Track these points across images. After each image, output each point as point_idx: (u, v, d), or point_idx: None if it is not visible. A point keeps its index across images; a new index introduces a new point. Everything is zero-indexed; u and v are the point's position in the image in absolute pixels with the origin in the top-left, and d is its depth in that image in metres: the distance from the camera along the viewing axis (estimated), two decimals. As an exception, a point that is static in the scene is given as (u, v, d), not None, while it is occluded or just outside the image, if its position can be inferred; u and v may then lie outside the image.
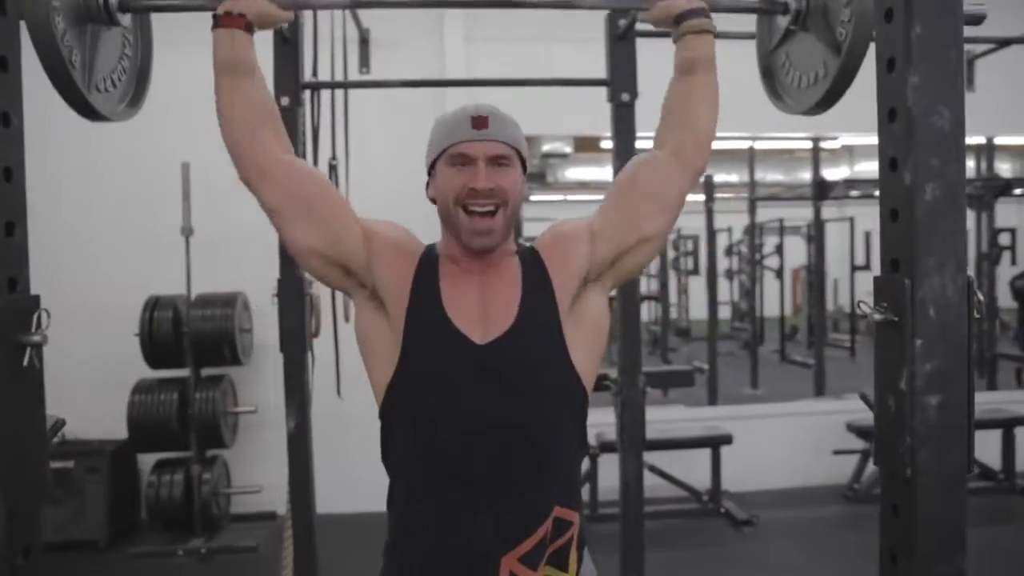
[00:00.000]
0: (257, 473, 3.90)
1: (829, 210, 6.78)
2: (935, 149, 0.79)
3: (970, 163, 5.58)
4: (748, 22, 1.47)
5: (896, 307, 0.80)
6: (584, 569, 1.16)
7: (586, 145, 7.23)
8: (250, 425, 3.96)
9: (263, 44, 1.89)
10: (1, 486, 0.76)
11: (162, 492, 3.72)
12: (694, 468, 4.01)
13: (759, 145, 6.64)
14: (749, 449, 4.14)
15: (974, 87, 3.87)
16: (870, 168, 7.38)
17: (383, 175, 3.60)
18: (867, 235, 8.08)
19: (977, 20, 0.98)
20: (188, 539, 3.65)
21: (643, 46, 2.18)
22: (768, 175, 7.66)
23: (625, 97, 2.18)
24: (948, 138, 0.80)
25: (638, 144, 2.22)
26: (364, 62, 4.01)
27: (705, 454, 3.96)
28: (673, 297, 9.03)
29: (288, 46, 2.08)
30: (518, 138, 1.16)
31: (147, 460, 3.91)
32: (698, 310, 7.97)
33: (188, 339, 3.67)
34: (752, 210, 6.64)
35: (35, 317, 0.82)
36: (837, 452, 4.18)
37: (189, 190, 3.58)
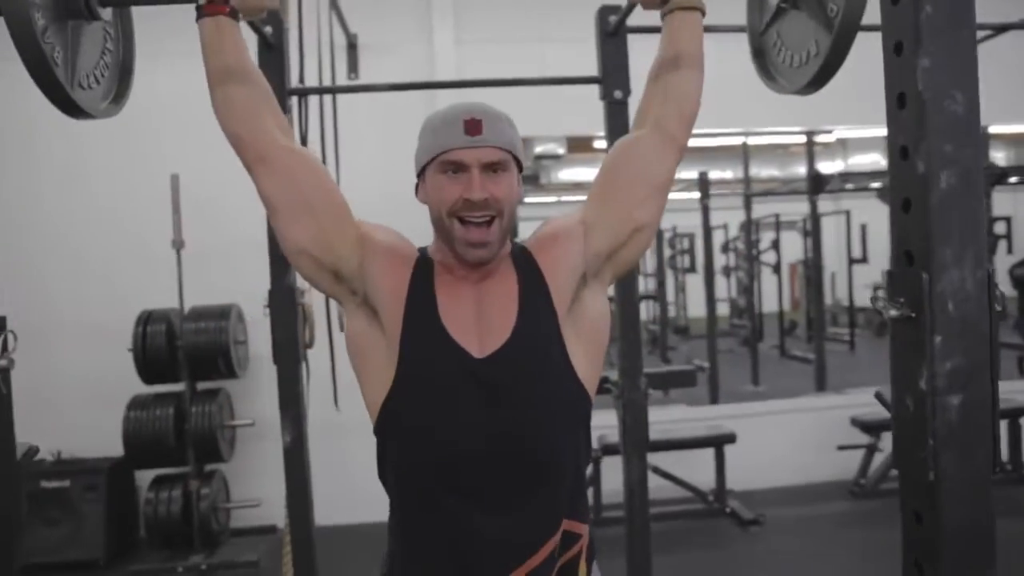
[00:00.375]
0: (256, 486, 3.84)
1: (825, 204, 6.76)
2: (949, 135, 0.75)
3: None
4: (739, 15, 1.44)
5: (913, 302, 0.76)
6: None
7: (579, 146, 7.21)
8: (248, 438, 3.91)
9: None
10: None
11: (160, 508, 3.66)
12: (698, 468, 3.97)
13: (753, 140, 6.62)
14: (753, 447, 4.10)
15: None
16: (864, 161, 7.36)
17: (375, 180, 3.55)
18: (863, 228, 8.06)
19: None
20: (188, 555, 3.60)
21: (635, 43, 2.15)
22: (763, 171, 7.63)
23: (618, 94, 2.14)
24: (963, 123, 0.76)
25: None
26: (353, 67, 3.97)
27: (709, 454, 3.92)
28: (671, 295, 9.01)
29: (273, 52, 2.03)
30: (513, 140, 1.10)
31: (145, 476, 3.85)
32: (696, 308, 7.95)
33: (182, 353, 3.62)
34: (748, 206, 6.62)
35: (0, 340, 0.77)
36: (842, 447, 4.14)
37: (179, 202, 3.53)
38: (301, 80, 2.50)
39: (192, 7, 1.12)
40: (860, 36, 1.08)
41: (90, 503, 3.67)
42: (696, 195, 6.01)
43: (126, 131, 2.87)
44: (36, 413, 3.90)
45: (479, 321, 1.08)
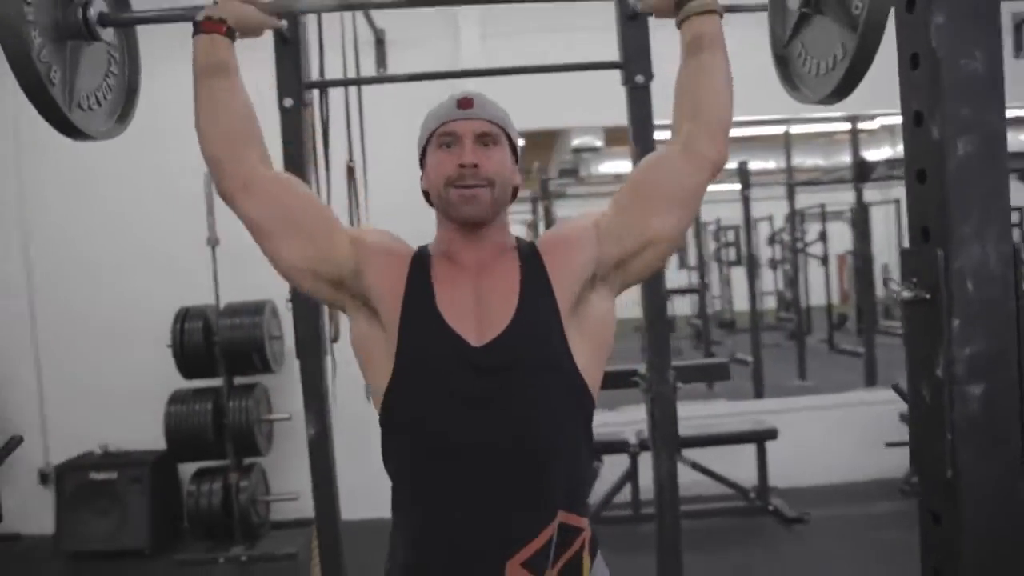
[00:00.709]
0: (294, 480, 3.87)
1: (872, 193, 6.52)
2: (968, 97, 0.68)
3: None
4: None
5: (927, 282, 0.69)
6: (596, 571, 1.11)
7: (618, 138, 7.11)
8: (285, 432, 3.95)
9: (264, 45, 1.86)
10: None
11: (202, 501, 3.75)
12: (740, 464, 3.86)
13: (795, 129, 6.43)
14: (797, 443, 3.97)
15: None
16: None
17: (401, 175, 3.51)
18: (916, 216, 7.75)
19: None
20: (229, 547, 3.67)
21: (657, 26, 2.08)
22: (807, 160, 7.40)
23: (640, 79, 2.07)
24: (983, 84, 0.68)
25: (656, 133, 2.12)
26: (381, 62, 3.97)
27: (751, 449, 3.81)
28: (716, 289, 8.84)
29: (289, 46, 2.02)
30: (504, 119, 1.15)
31: (188, 470, 3.94)
32: (742, 301, 7.76)
33: (219, 348, 3.68)
34: (791, 196, 6.43)
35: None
36: (890, 444, 3.97)
37: (213, 201, 3.59)
38: (321, 74, 2.49)
39: None
40: (888, 18, 1.01)
41: (136, 495, 3.77)
42: (737, 187, 5.87)
43: (158, 131, 2.92)
44: (85, 408, 4.07)
45: (478, 310, 1.08)
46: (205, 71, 1.09)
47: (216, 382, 3.79)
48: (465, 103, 1.12)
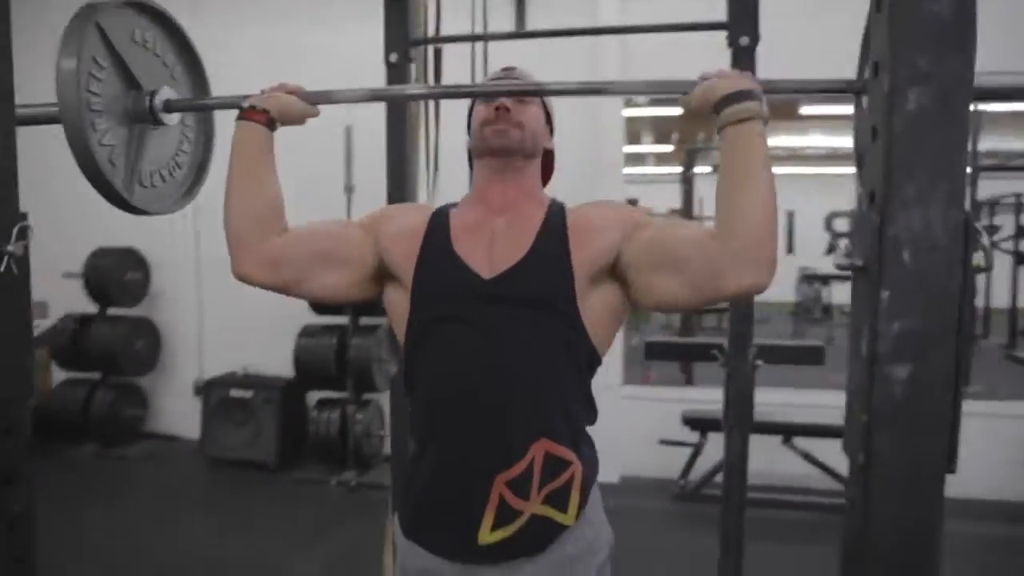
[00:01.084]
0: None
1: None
2: (926, 44, 0.59)
3: None
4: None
5: (861, 250, 0.62)
6: (590, 514, 1.13)
7: (782, 111, 6.66)
8: (403, 374, 4.18)
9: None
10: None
11: (322, 427, 4.10)
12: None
13: (986, 107, 5.68)
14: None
15: None
16: None
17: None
18: None
19: None
20: (342, 471, 4.00)
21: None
22: (1000, 144, 6.52)
23: (744, 41, 1.95)
24: (946, 29, 0.59)
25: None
26: (520, 22, 3.99)
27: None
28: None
29: (398, 3, 2.10)
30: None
31: (315, 397, 4.32)
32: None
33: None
34: (973, 183, 5.72)
35: (15, 230, 0.92)
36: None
37: (352, 151, 3.84)
38: (437, 31, 2.55)
39: None
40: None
41: (267, 414, 4.20)
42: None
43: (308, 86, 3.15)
44: (233, 331, 4.55)
45: (492, 246, 1.13)
46: (242, 155, 1.16)
47: (342, 319, 4.09)
48: (508, 71, 1.24)
